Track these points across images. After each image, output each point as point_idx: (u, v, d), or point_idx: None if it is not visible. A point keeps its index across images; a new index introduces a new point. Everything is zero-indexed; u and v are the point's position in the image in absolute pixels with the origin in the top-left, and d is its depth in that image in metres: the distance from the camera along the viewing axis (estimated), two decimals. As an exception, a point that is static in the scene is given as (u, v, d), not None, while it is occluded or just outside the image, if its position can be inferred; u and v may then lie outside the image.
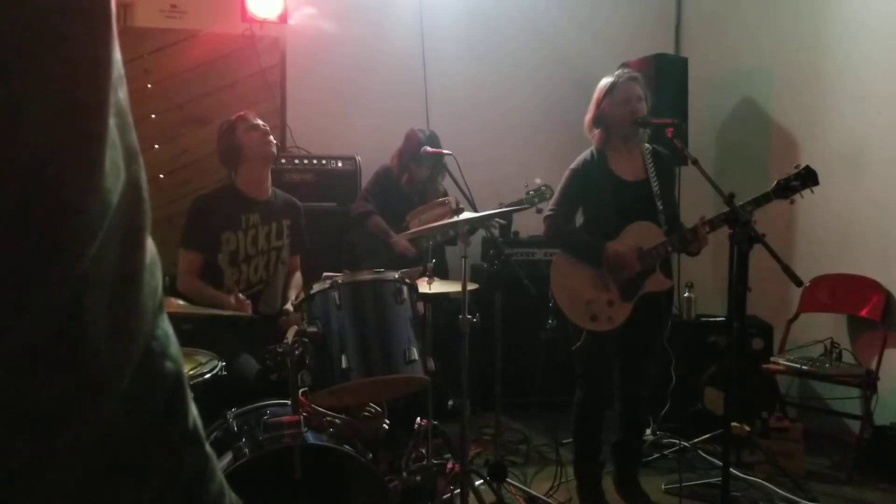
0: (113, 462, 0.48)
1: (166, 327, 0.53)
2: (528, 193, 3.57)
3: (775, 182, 2.67)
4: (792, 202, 2.70)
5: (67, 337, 0.42)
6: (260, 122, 2.94)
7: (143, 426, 0.50)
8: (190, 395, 0.55)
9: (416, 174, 3.66)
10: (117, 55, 0.43)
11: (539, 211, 3.32)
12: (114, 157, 0.43)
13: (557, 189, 2.99)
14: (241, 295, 2.75)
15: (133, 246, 0.47)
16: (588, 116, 2.95)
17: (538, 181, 3.56)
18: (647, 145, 2.92)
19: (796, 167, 2.67)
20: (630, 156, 2.89)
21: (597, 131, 2.90)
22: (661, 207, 2.81)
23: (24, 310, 0.39)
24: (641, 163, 2.88)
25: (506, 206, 3.46)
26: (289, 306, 2.92)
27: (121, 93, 0.45)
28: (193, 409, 0.56)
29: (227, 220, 2.86)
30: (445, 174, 3.39)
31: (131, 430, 0.49)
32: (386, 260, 3.29)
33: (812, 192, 2.67)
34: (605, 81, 2.92)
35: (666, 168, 2.92)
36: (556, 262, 2.93)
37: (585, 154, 2.94)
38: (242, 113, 2.95)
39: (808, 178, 2.64)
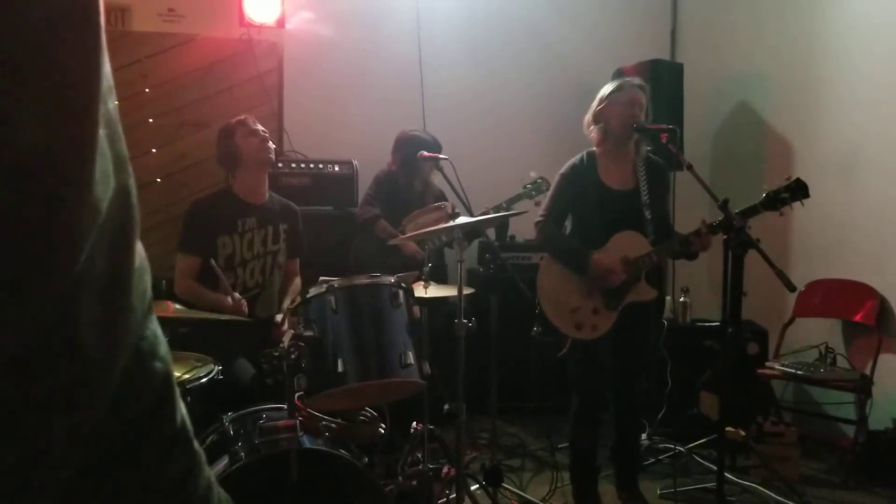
0: (101, 459, 0.50)
1: (155, 328, 0.54)
2: (525, 187, 3.57)
3: (764, 194, 2.63)
4: (782, 214, 2.65)
5: (59, 337, 0.43)
6: (259, 127, 2.93)
7: (132, 424, 0.52)
8: (178, 393, 0.57)
9: (416, 173, 3.66)
10: (107, 67, 0.44)
11: (538, 204, 3.30)
12: (103, 165, 0.44)
13: (548, 194, 2.99)
14: (237, 294, 2.75)
15: (122, 250, 0.48)
16: (588, 115, 2.91)
17: (533, 174, 3.56)
18: (643, 153, 2.89)
19: (787, 179, 2.63)
20: (620, 164, 2.86)
21: (594, 129, 2.88)
22: (648, 217, 2.79)
23: (18, 311, 0.40)
24: (632, 172, 2.85)
25: (504, 206, 3.46)
26: (278, 318, 2.90)
27: (110, 104, 0.46)
28: (182, 408, 0.57)
29: (224, 223, 2.86)
30: (438, 174, 3.39)
31: (120, 427, 0.50)
32: (395, 263, 3.28)
33: (802, 204, 2.63)
34: (614, 82, 2.90)
35: (659, 177, 2.89)
36: (542, 268, 2.90)
37: (575, 159, 2.92)
38: (243, 117, 2.94)
39: (798, 190, 2.59)
